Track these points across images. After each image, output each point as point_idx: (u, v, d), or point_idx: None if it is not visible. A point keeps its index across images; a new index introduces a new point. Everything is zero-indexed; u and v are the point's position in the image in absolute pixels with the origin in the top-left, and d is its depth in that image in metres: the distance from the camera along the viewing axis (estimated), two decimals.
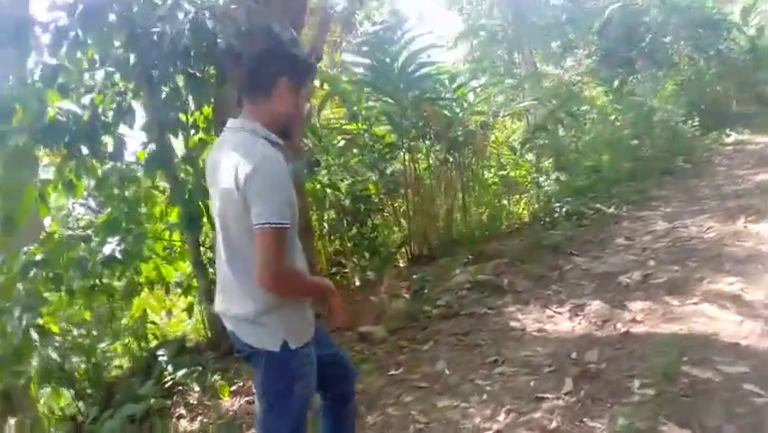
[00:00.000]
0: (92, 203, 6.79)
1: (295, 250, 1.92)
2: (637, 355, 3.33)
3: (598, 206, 6.86)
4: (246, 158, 1.77)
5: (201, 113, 5.03)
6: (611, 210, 6.73)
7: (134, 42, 4.18)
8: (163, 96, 4.24)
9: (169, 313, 6.38)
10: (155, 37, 4.11)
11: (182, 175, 4.85)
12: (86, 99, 4.54)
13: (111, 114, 4.53)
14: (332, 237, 6.17)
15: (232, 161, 1.80)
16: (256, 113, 1.91)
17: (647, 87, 10.61)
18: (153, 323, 5.15)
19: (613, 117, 9.81)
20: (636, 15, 12.85)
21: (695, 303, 3.90)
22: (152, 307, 5.93)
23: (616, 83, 11.35)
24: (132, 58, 4.26)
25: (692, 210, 6.30)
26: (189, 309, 5.19)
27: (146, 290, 5.36)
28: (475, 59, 13.90)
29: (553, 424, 2.81)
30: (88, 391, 3.91)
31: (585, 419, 2.79)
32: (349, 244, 6.16)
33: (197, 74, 4.31)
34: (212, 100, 4.56)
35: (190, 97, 4.61)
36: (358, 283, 5.51)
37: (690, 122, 10.33)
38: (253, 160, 1.76)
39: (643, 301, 4.05)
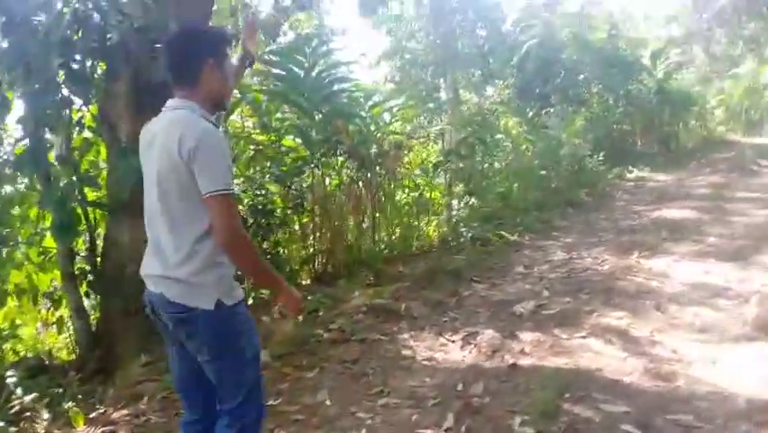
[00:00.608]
0: None
1: None
2: (522, 390, 3.26)
3: (503, 233, 6.91)
4: (189, 132, 1.88)
5: (89, 111, 4.68)
6: (515, 238, 6.80)
7: (11, 29, 3.79)
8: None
9: (46, 326, 5.85)
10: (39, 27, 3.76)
11: (64, 177, 4.46)
12: None
13: None
14: None
15: (174, 135, 1.89)
16: (189, 96, 2.01)
17: (558, 121, 10.98)
18: (15, 336, 4.63)
19: (524, 147, 10.05)
20: (553, 52, 13.34)
21: (583, 337, 3.92)
22: (23, 318, 5.41)
23: (530, 115, 11.67)
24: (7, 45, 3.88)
25: (590, 242, 6.46)
26: (59, 324, 4.73)
27: (14, 299, 4.89)
28: (396, 80, 13.98)
29: None
30: None
31: None
32: None
33: (79, 68, 3.95)
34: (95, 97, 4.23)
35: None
36: (250, 302, 5.22)
37: (595, 156, 10.74)
38: (196, 133, 1.88)
39: (533, 332, 4.03)
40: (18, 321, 5.25)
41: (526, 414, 2.99)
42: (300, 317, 4.58)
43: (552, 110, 12.50)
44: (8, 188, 4.75)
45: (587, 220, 7.78)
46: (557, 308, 4.47)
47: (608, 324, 4.09)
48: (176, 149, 1.87)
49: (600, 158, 11.00)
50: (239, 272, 2.11)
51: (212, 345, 1.97)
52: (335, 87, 6.30)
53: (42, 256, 4.87)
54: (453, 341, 4.11)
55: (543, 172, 9.35)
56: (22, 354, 5.09)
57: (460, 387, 3.39)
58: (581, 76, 13.72)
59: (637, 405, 3.03)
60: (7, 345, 4.73)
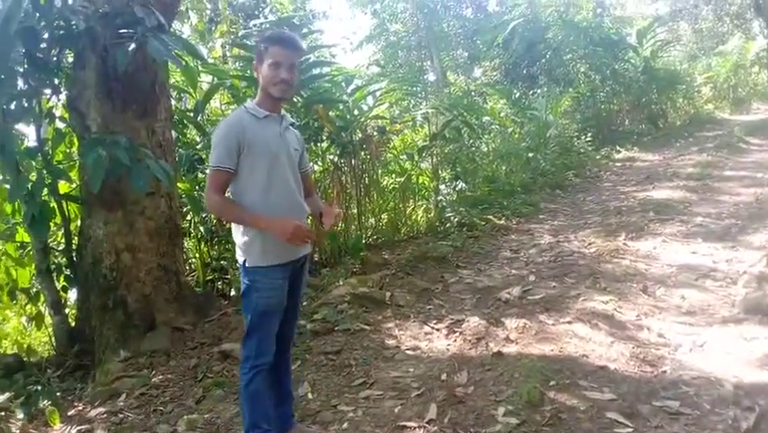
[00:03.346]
0: None
1: (267, 185, 2.45)
2: (506, 378, 3.20)
3: (490, 217, 6.84)
4: None
5: (60, 101, 4.54)
6: (502, 222, 6.73)
7: None
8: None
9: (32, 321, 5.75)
10: None
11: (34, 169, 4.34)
12: None
13: None
14: (212, 242, 5.75)
15: None
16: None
17: (545, 102, 10.87)
18: None
19: (511, 129, 9.95)
20: (538, 32, 13.18)
21: (569, 322, 3.86)
22: (4, 314, 5.31)
23: (516, 96, 11.56)
24: None
25: (577, 225, 6.40)
26: (38, 319, 4.63)
27: None
28: (380, 63, 13.78)
29: None
30: None
31: None
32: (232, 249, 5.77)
33: (43, 57, 3.80)
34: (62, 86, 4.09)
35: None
36: (233, 292, 5.13)
37: (583, 137, 10.66)
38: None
39: (518, 318, 3.96)
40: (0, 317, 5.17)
41: (510, 403, 2.93)
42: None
43: (538, 91, 12.39)
44: None
45: (574, 202, 7.72)
46: (543, 294, 4.42)
47: (594, 308, 4.03)
48: None
49: (588, 138, 10.92)
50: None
51: (241, 288, 2.54)
52: (315, 72, 6.16)
53: (21, 251, 4.76)
54: (438, 329, 4.05)
55: (530, 155, 9.27)
56: (5, 350, 5.01)
57: (443, 377, 3.33)
58: (567, 56, 13.59)
59: (623, 392, 2.98)
60: None
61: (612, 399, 2.92)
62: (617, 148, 11.43)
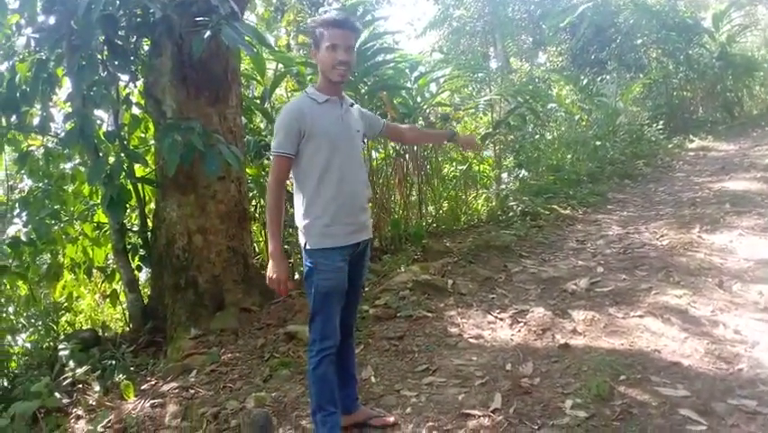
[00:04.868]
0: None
1: (326, 170, 2.47)
2: (573, 371, 3.13)
3: (554, 206, 6.69)
4: None
5: (137, 87, 4.72)
6: (567, 211, 6.57)
7: (53, 7, 3.81)
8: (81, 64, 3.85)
9: (105, 299, 6.02)
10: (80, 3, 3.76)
11: (112, 153, 4.55)
12: (2, 67, 4.19)
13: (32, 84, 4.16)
14: None
15: None
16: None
17: (614, 88, 10.49)
18: (68, 309, 4.77)
19: (578, 117, 9.67)
20: (608, 16, 12.70)
21: (640, 316, 3.74)
22: (80, 292, 5.57)
23: (584, 82, 11.20)
24: (52, 23, 3.90)
25: (648, 216, 6.17)
26: (113, 297, 4.84)
27: (70, 273, 5.05)
28: (443, 49, 13.62)
29: None
30: None
31: None
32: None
33: (122, 44, 3.94)
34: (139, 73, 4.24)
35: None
36: (297, 277, 5.22)
37: (654, 125, 10.25)
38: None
39: (586, 311, 3.86)
40: (76, 294, 5.43)
41: (578, 396, 2.86)
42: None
43: (607, 77, 11.97)
44: (64, 166, 4.87)
45: (645, 192, 7.44)
46: (612, 286, 4.29)
47: (667, 302, 3.89)
48: None
49: (659, 126, 10.48)
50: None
51: (304, 271, 2.58)
52: (379, 59, 6.13)
53: (97, 231, 4.99)
54: (502, 319, 4.00)
55: (598, 143, 8.98)
56: (80, 325, 5.28)
57: (508, 367, 3.29)
58: (639, 40, 13.04)
59: (697, 389, 2.87)
60: (63, 318, 4.88)
61: (685, 395, 2.82)
62: (690, 137, 10.94)
